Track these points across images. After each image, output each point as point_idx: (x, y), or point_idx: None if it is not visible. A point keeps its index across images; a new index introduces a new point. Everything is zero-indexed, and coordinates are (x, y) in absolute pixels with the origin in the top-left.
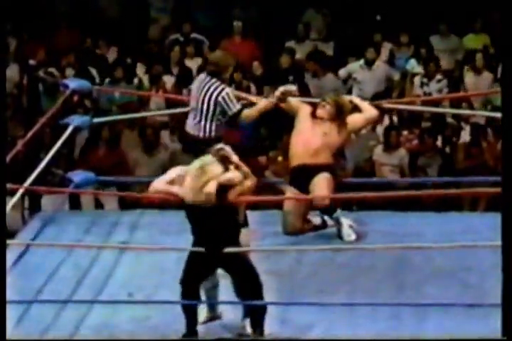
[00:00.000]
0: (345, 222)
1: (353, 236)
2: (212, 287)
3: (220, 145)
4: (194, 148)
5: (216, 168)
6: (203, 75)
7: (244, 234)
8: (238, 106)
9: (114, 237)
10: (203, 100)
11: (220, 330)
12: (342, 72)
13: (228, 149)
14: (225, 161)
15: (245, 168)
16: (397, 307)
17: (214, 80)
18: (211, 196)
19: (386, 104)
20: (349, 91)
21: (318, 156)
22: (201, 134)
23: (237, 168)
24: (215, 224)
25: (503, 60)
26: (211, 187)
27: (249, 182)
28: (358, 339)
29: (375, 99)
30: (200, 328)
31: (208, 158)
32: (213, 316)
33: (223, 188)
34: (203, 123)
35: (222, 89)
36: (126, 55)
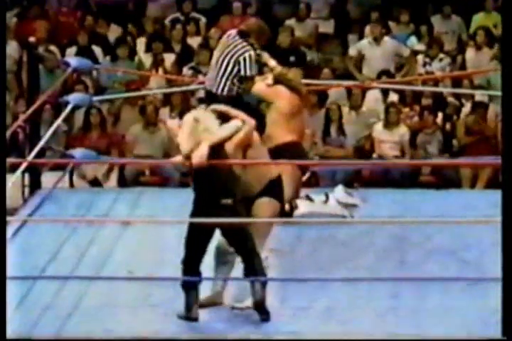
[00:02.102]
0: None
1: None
2: (223, 263)
3: (213, 106)
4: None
5: (211, 122)
6: (233, 32)
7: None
8: (254, 72)
9: (113, 214)
10: (225, 57)
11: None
12: (352, 51)
13: (222, 107)
14: (223, 117)
15: (243, 116)
16: (397, 285)
17: (242, 40)
18: (203, 159)
19: (375, 84)
20: (360, 69)
21: (273, 139)
22: (214, 90)
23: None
24: (210, 176)
25: (503, 56)
26: (202, 151)
27: (247, 128)
28: (358, 339)
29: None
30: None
31: (202, 112)
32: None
33: (217, 147)
34: (218, 79)
35: (246, 51)
36: (127, 33)
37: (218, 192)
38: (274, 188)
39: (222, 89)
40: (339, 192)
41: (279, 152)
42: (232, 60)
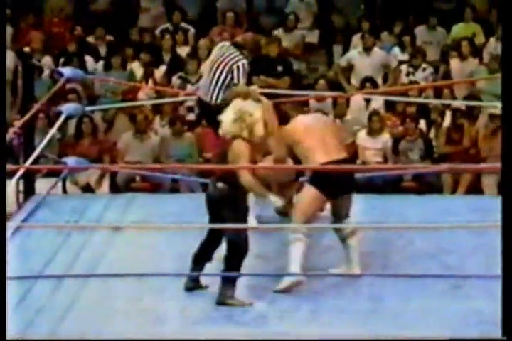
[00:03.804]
0: None
1: None
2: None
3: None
4: (206, 112)
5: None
6: (226, 43)
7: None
8: (244, 81)
9: (105, 220)
10: (219, 65)
11: None
12: (342, 61)
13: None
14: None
15: None
16: (379, 288)
17: (236, 50)
18: None
19: (363, 95)
20: (348, 79)
21: None
22: (208, 99)
23: None
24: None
25: (503, 56)
26: None
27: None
28: (358, 339)
29: (364, 83)
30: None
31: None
32: None
33: None
34: (212, 88)
35: (240, 59)
36: (119, 43)
37: (217, 176)
38: (313, 177)
39: (216, 98)
40: None
41: None
42: (226, 69)
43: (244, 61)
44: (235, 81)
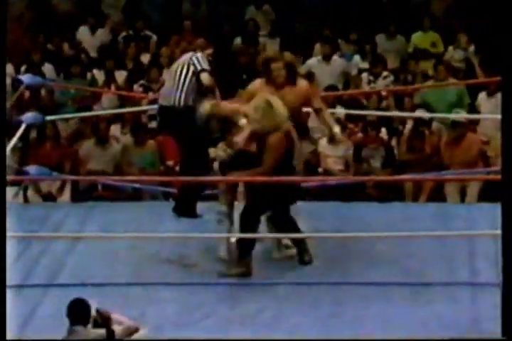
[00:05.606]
0: None
1: None
2: None
3: None
4: (168, 120)
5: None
6: (186, 55)
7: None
8: (207, 66)
9: (66, 229)
10: (177, 67)
11: None
12: (302, 69)
13: None
14: None
15: None
16: (340, 293)
17: (192, 53)
18: None
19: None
20: None
21: None
22: (172, 102)
23: None
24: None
25: (503, 60)
26: None
27: None
28: (356, 339)
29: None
30: None
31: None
32: None
33: None
34: (175, 88)
35: (196, 52)
36: (80, 50)
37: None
38: None
39: (179, 99)
40: None
41: None
42: (186, 65)
43: (201, 53)
44: (198, 67)
